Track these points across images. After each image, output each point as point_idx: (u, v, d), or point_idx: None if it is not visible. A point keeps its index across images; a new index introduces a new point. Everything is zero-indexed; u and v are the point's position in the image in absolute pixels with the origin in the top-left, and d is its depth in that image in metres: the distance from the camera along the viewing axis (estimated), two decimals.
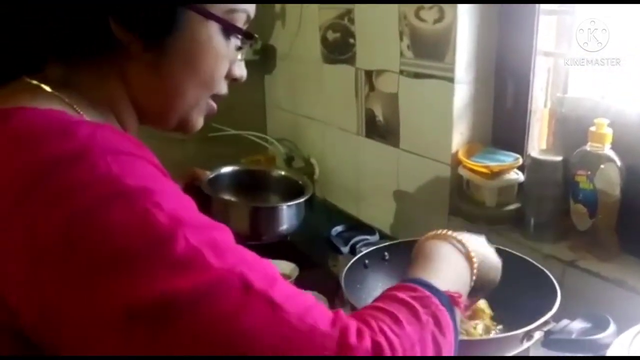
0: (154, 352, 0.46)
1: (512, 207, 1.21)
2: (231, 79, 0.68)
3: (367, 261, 1.04)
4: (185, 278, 0.46)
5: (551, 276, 0.91)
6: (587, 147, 1.03)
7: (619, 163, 1.01)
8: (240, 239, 0.54)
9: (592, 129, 1.02)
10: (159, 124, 0.67)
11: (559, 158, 1.11)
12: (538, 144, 1.25)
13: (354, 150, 1.60)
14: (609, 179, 1.01)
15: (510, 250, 1.02)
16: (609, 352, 0.71)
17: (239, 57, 0.67)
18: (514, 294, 0.95)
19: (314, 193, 1.82)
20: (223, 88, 0.67)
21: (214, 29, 0.61)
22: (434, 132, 1.31)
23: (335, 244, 1.40)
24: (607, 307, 0.89)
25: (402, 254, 1.06)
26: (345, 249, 1.37)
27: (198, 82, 0.63)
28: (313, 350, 0.48)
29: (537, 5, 1.16)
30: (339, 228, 1.46)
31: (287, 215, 1.10)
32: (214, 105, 0.69)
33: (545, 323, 0.80)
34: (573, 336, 0.79)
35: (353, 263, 1.01)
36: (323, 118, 1.72)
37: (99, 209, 0.47)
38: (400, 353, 0.51)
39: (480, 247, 0.76)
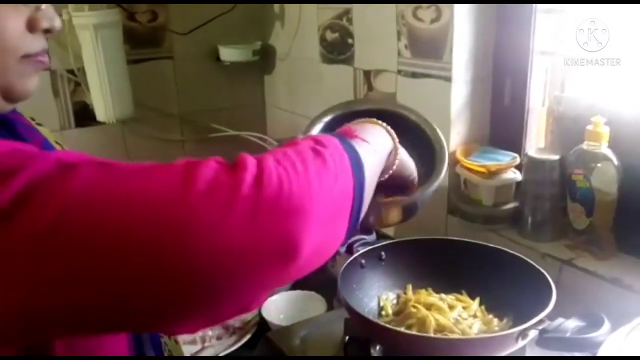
0: None
1: (509, 206, 1.21)
2: (44, 31, 0.60)
3: (363, 261, 1.03)
4: None
5: (547, 275, 0.91)
6: (584, 146, 1.03)
7: (615, 162, 1.01)
8: None
9: (589, 127, 1.02)
10: None
11: (556, 157, 1.11)
12: (536, 142, 1.24)
13: None
14: (606, 177, 1.01)
15: (507, 249, 1.02)
16: (602, 349, 0.72)
17: (41, 7, 0.60)
18: (510, 292, 0.96)
19: None
20: (32, 45, 0.60)
21: None
22: None
23: None
24: (603, 305, 0.89)
25: (399, 253, 1.06)
26: (342, 249, 1.36)
27: None
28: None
29: (534, 4, 1.16)
30: None
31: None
32: (44, 60, 0.62)
33: (540, 322, 0.80)
34: (567, 334, 0.78)
35: (349, 263, 1.00)
36: None
37: None
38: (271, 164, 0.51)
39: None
